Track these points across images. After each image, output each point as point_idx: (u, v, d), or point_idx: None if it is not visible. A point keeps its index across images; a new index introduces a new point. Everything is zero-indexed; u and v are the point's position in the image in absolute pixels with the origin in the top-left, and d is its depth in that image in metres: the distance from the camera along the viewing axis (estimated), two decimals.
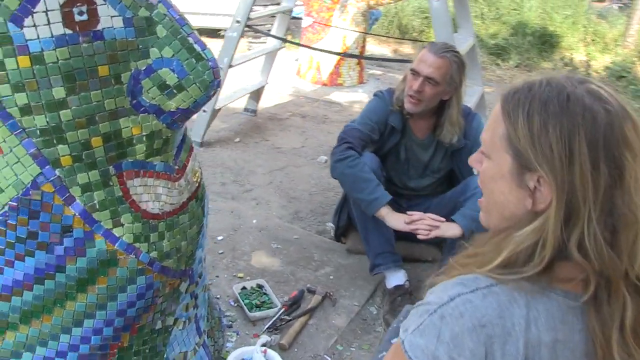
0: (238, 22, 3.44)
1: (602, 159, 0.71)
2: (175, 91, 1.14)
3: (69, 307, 1.19)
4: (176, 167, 1.32)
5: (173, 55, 1.11)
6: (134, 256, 1.23)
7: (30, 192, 1.08)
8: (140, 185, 1.21)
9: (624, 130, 0.73)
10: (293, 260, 2.49)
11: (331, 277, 2.37)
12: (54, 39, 0.99)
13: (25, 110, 1.01)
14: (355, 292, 2.29)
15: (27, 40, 0.97)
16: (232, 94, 4.09)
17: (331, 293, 2.21)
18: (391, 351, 0.83)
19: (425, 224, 2.02)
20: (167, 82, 1.12)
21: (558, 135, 0.72)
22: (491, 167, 0.81)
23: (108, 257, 1.19)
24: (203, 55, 1.14)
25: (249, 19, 3.57)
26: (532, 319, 0.72)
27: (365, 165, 2.10)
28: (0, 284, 1.16)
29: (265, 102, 4.87)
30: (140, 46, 1.09)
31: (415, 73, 2.09)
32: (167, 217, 1.29)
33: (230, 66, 3.50)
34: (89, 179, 1.12)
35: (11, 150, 1.04)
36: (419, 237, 2.05)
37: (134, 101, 1.12)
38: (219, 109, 3.80)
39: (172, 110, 1.17)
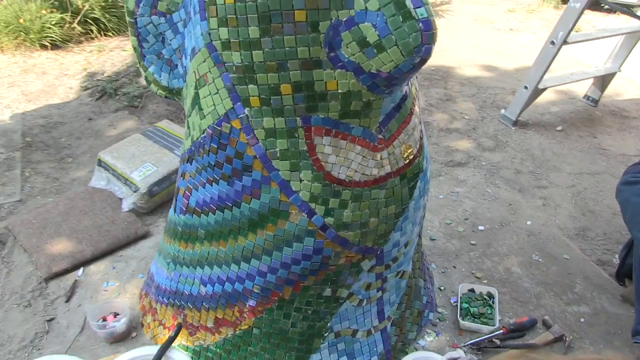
0: None
1: None
2: (375, 50, 0.99)
3: (240, 241, 1.24)
4: (380, 136, 1.19)
5: (379, 8, 0.96)
6: (306, 215, 1.18)
7: (222, 124, 1.12)
8: (329, 145, 1.13)
9: None
10: (547, 282, 2.07)
11: (582, 319, 1.87)
12: None
13: (225, 45, 1.04)
14: (600, 352, 1.77)
15: None
16: (565, 75, 3.54)
17: (569, 338, 1.75)
18: None
19: None
20: (367, 39, 0.99)
21: None
22: None
23: (279, 208, 1.17)
24: (413, 13, 0.95)
25: None
26: None
27: None
28: (194, 200, 1.27)
29: (613, 93, 4.09)
30: None
31: None
32: (354, 186, 1.19)
33: (565, 42, 2.99)
34: (274, 124, 1.09)
35: (213, 81, 1.10)
36: None
37: (332, 54, 1.03)
38: (544, 89, 3.34)
39: (372, 71, 1.03)
